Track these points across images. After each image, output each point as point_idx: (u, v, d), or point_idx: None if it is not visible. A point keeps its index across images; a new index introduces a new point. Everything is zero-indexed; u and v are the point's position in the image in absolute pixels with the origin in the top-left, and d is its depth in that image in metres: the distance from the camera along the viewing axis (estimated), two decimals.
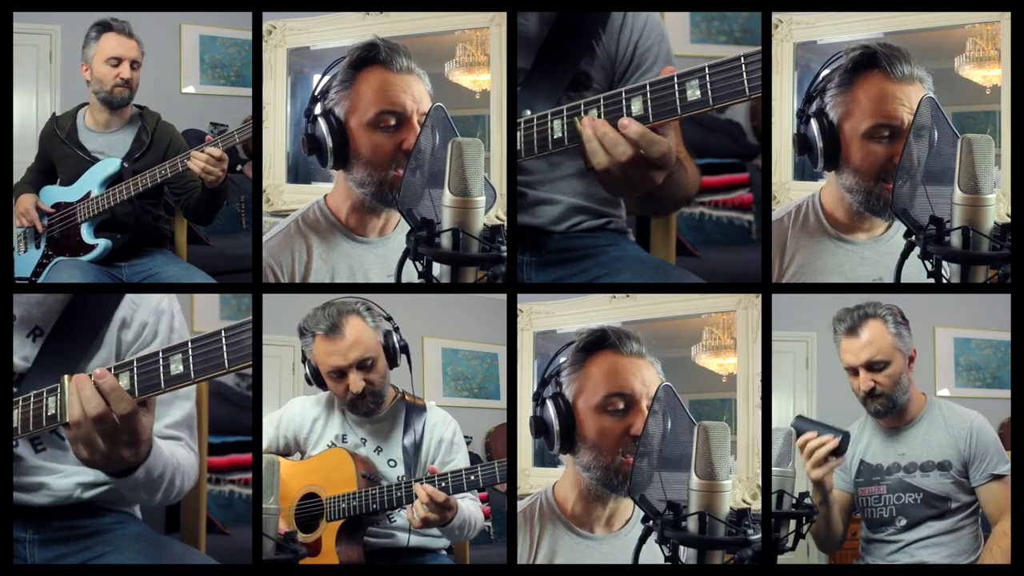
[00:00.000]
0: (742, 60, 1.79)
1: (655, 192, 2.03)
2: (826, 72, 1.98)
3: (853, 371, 2.35)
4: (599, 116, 1.91)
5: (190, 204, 2.77)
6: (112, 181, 2.74)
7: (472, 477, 2.26)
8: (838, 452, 2.13)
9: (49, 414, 1.79)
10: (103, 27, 2.79)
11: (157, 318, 2.05)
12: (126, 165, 2.75)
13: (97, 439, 1.70)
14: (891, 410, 2.35)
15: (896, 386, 2.33)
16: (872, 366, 2.32)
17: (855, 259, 2.07)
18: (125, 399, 1.69)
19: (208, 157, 2.56)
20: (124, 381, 1.69)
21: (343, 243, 2.13)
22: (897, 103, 1.93)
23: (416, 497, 2.27)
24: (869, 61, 1.94)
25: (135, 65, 2.80)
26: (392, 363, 2.46)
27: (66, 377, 1.73)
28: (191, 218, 2.86)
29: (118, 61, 2.78)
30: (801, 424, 2.17)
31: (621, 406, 1.91)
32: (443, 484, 2.29)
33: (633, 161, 1.87)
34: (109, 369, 1.71)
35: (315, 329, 2.42)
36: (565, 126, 1.95)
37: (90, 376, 1.71)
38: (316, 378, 2.47)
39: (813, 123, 1.97)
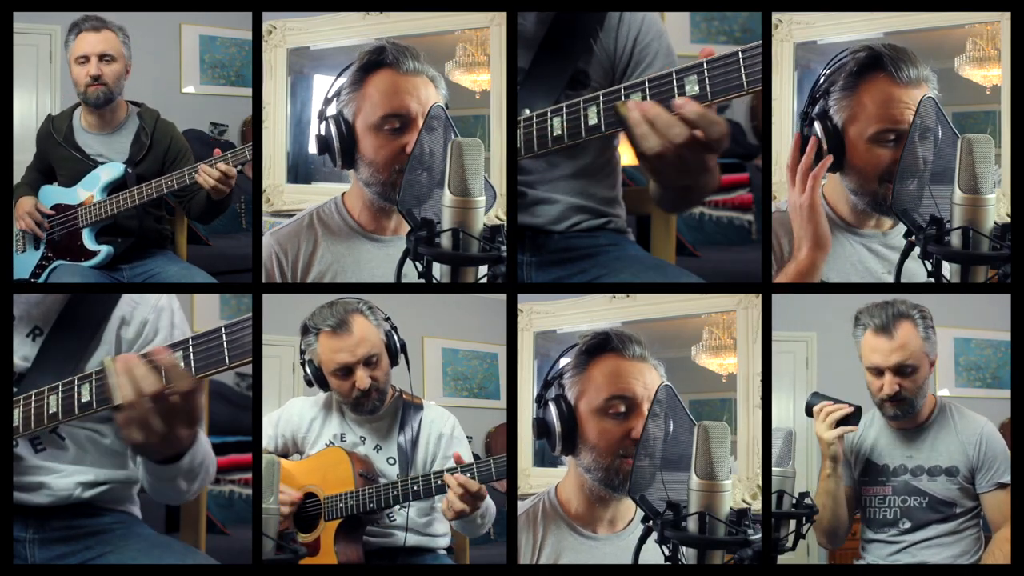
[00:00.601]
0: (739, 55, 1.80)
1: (695, 181, 1.97)
2: (828, 73, 1.97)
3: (877, 371, 2.30)
4: (598, 113, 1.91)
5: (192, 206, 2.75)
6: (116, 187, 2.71)
7: (468, 475, 2.26)
8: (850, 421, 2.20)
9: (83, 401, 1.75)
10: (76, 28, 2.75)
11: (157, 315, 2.05)
12: (130, 171, 2.72)
13: (154, 419, 1.65)
14: (909, 414, 2.32)
15: (919, 391, 2.30)
16: (901, 370, 2.28)
17: (863, 251, 2.07)
18: (185, 375, 1.64)
19: (221, 175, 2.53)
20: None
21: (355, 241, 2.15)
22: (903, 107, 1.91)
23: (448, 488, 2.25)
24: (874, 64, 1.93)
25: (107, 59, 2.73)
26: (393, 361, 2.47)
27: (108, 359, 1.69)
28: (194, 218, 2.83)
29: (86, 59, 2.73)
30: (815, 399, 2.25)
31: (622, 409, 1.90)
32: (439, 483, 2.29)
33: (688, 143, 1.79)
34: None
35: (322, 326, 2.43)
36: (601, 114, 1.91)
37: (140, 355, 1.66)
38: (318, 378, 2.47)
39: (817, 125, 1.95)
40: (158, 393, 1.63)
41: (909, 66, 1.92)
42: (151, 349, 1.65)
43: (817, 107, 1.96)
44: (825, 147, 1.94)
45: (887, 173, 1.93)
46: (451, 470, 2.28)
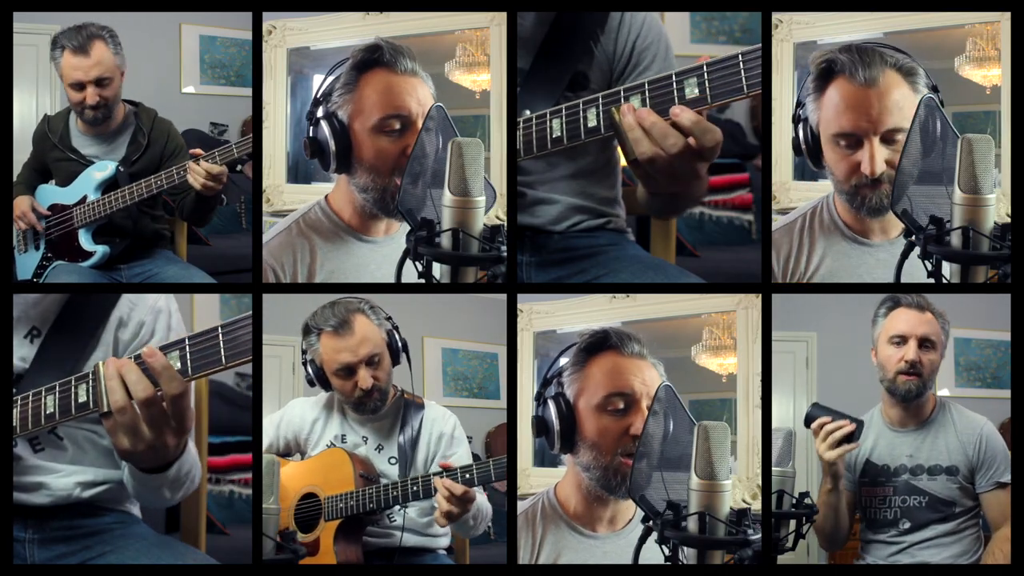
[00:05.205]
0: (740, 58, 1.79)
1: (684, 189, 1.98)
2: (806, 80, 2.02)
3: (901, 340, 2.34)
4: (598, 115, 1.91)
5: (185, 205, 2.72)
6: (108, 185, 2.70)
7: (467, 475, 2.26)
8: (852, 438, 2.18)
9: (80, 402, 1.71)
10: (58, 46, 2.65)
11: (154, 317, 2.04)
12: (121, 169, 2.70)
13: (142, 426, 1.61)
14: (920, 395, 2.35)
15: (931, 376, 2.35)
16: (924, 342, 2.33)
17: (871, 261, 2.08)
18: (177, 379, 1.59)
19: (206, 174, 2.48)
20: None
21: (348, 243, 2.13)
22: (862, 111, 1.93)
23: (435, 492, 2.26)
24: (833, 69, 1.96)
25: (103, 82, 2.67)
26: (395, 360, 2.48)
27: (100, 363, 1.65)
28: (185, 218, 2.79)
29: (80, 85, 2.67)
30: (816, 411, 2.21)
31: (621, 406, 1.91)
32: (427, 485, 2.29)
33: (681, 152, 1.78)
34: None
35: (323, 326, 2.42)
36: (600, 116, 1.90)
37: (132, 359, 1.63)
38: (320, 378, 2.46)
39: (800, 128, 2.01)
40: (148, 399, 1.60)
41: (866, 68, 1.93)
42: (145, 350, 1.62)
43: (800, 110, 2.01)
44: (804, 152, 2.00)
45: (852, 174, 1.96)
46: (439, 474, 2.29)
